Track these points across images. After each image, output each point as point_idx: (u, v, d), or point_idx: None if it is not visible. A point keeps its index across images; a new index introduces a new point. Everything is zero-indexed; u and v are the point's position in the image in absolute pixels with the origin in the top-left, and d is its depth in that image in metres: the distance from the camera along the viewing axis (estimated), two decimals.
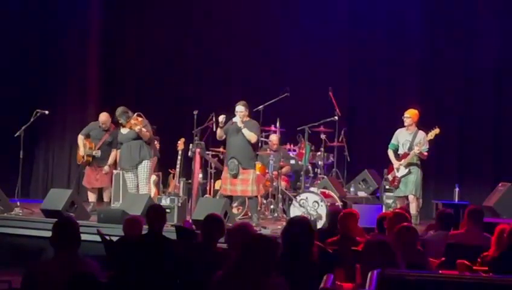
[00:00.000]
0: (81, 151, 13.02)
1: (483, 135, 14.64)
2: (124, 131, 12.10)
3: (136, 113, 12.02)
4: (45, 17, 16.03)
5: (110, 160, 13.00)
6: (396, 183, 12.20)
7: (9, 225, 11.57)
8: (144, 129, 11.81)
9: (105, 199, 13.24)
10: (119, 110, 12.09)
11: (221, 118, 11.53)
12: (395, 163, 12.20)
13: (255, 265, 4.77)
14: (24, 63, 15.78)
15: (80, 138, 13.12)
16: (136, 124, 11.77)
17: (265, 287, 4.75)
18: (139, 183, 11.96)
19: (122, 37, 16.41)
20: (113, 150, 12.99)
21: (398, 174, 12.15)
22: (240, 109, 11.60)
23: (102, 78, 16.27)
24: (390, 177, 12.33)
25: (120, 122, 12.11)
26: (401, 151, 12.22)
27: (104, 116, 13.14)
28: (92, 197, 13.17)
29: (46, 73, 16.04)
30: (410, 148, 12.06)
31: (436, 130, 11.97)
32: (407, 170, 12.09)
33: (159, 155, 12.81)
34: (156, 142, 12.70)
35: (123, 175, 12.40)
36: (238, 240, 5.83)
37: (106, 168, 12.98)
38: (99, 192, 13.34)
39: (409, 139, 12.15)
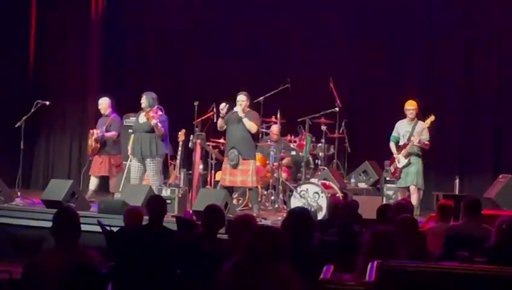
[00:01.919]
0: (89, 141, 13.06)
1: (484, 127, 14.63)
2: (141, 119, 11.89)
3: (157, 106, 11.87)
4: (45, 6, 16.00)
5: (108, 134, 12.96)
6: (397, 175, 12.20)
7: (10, 215, 11.57)
8: (159, 125, 11.64)
9: (111, 190, 13.15)
10: (152, 94, 11.94)
11: (223, 105, 11.50)
12: (396, 154, 12.20)
13: (264, 256, 4.78)
14: (24, 54, 15.78)
15: (89, 132, 13.19)
16: (154, 117, 11.62)
17: (275, 278, 4.76)
18: (149, 178, 11.88)
19: (122, 28, 16.40)
20: (111, 132, 12.97)
21: (399, 165, 12.15)
22: (242, 98, 11.59)
23: (102, 69, 16.27)
24: (392, 168, 12.34)
25: (143, 107, 11.85)
26: (401, 143, 12.22)
27: (101, 100, 13.21)
28: (92, 184, 13.09)
29: (46, 63, 16.04)
30: (410, 139, 12.06)
31: (432, 117, 11.98)
32: (407, 160, 12.08)
33: (170, 152, 12.64)
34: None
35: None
36: (241, 232, 5.83)
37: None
38: (102, 181, 13.28)
39: (409, 130, 12.14)
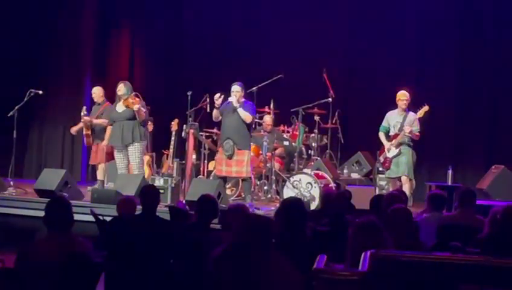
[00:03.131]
0: (84, 130, 12.99)
1: (477, 118, 14.63)
2: (119, 109, 11.83)
3: (133, 93, 11.86)
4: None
5: (106, 136, 12.99)
6: (387, 164, 12.19)
7: (3, 204, 11.56)
8: (142, 109, 11.66)
9: (99, 177, 13.14)
10: (128, 83, 11.97)
11: (217, 96, 11.48)
12: (386, 144, 12.20)
13: (254, 243, 4.79)
14: (17, 43, 15.75)
15: (78, 126, 13.14)
16: (134, 103, 11.60)
17: (266, 264, 4.77)
18: (131, 165, 11.86)
19: (115, 17, 16.37)
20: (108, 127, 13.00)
21: (389, 155, 12.14)
22: (236, 88, 11.56)
23: (96, 58, 16.24)
24: (381, 158, 12.33)
25: (120, 94, 11.82)
26: (392, 133, 12.21)
27: (94, 89, 13.20)
28: (99, 175, 12.99)
29: (39, 52, 16.01)
30: (401, 129, 12.06)
31: (425, 108, 11.96)
32: (397, 150, 12.08)
33: (148, 139, 12.57)
34: (150, 124, 12.63)
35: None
36: (234, 221, 5.84)
37: (104, 142, 12.91)
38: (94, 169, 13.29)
39: (400, 120, 12.13)
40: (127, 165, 11.84)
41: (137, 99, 11.75)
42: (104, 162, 12.99)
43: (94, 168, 13.46)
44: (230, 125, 11.59)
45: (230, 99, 11.53)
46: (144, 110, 11.71)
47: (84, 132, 12.92)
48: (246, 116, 11.48)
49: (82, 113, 12.88)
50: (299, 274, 4.90)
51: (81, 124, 12.98)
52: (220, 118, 11.75)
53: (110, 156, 12.95)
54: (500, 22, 14.56)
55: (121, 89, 11.85)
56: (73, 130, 13.33)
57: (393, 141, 12.12)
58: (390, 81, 14.20)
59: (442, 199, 8.25)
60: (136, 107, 11.54)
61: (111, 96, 12.68)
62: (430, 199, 8.28)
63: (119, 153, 11.87)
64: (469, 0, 14.75)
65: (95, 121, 12.84)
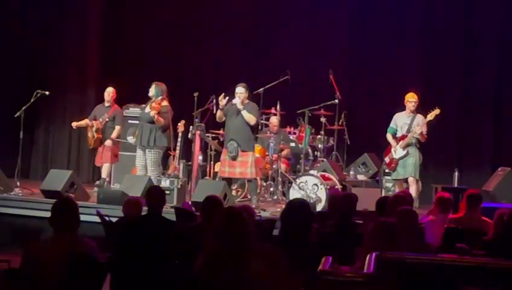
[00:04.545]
0: (89, 133, 13.09)
1: (483, 120, 14.62)
2: (147, 109, 11.87)
3: (160, 97, 11.79)
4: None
5: (114, 134, 13.07)
6: (393, 166, 12.18)
7: (9, 205, 11.58)
8: (156, 116, 11.58)
9: (103, 175, 13.23)
10: (161, 85, 11.95)
11: (221, 97, 11.48)
12: (393, 144, 12.19)
13: (234, 237, 4.80)
14: (24, 44, 15.77)
15: (85, 121, 13.20)
16: (155, 108, 11.63)
17: (250, 257, 4.77)
18: (147, 167, 11.90)
19: (122, 18, 16.37)
20: (116, 126, 13.09)
21: (396, 156, 12.13)
22: (240, 90, 11.57)
23: (102, 59, 16.25)
24: (387, 159, 12.32)
25: (150, 95, 11.87)
26: (399, 134, 12.21)
27: (109, 89, 13.35)
28: (104, 173, 13.22)
29: (46, 53, 16.02)
30: (409, 131, 12.05)
31: (437, 111, 11.93)
32: (404, 151, 12.07)
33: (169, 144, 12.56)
34: (179, 125, 12.52)
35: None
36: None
37: (108, 142, 13.00)
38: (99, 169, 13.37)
39: (407, 122, 12.13)
40: (144, 165, 11.86)
41: (163, 104, 11.73)
42: (110, 163, 13.08)
43: (99, 169, 13.54)
44: (234, 127, 11.60)
45: (234, 101, 11.54)
46: (162, 118, 11.66)
47: (94, 136, 13.00)
48: (250, 118, 11.49)
49: (94, 129, 12.99)
50: (307, 277, 4.90)
51: (85, 122, 13.05)
52: (224, 119, 11.76)
53: (115, 157, 13.04)
54: (506, 23, 14.53)
55: (151, 90, 11.90)
56: (75, 124, 13.37)
57: (401, 143, 12.11)
58: (397, 82, 14.22)
59: (450, 202, 8.24)
60: (152, 113, 11.56)
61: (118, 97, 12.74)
62: (437, 202, 8.28)
63: (139, 151, 11.96)
64: (474, 3, 14.73)
65: (113, 136, 13.15)
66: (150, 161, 11.80)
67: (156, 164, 11.82)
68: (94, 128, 13.04)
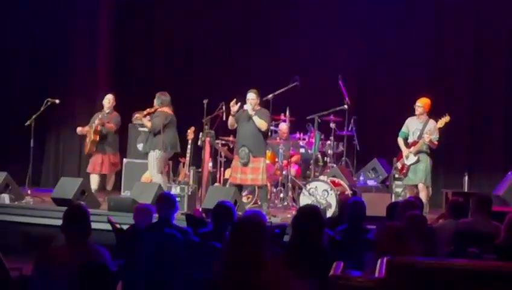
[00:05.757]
0: (87, 139, 13.07)
1: (493, 124, 14.61)
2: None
3: (156, 106, 11.90)
4: (55, 5, 16.02)
5: (106, 125, 13.03)
6: (405, 171, 12.18)
7: (20, 213, 11.62)
8: (144, 120, 11.84)
9: (108, 188, 13.24)
10: (162, 95, 12.04)
11: (233, 103, 11.46)
12: (405, 150, 12.17)
13: (244, 248, 4.81)
14: (34, 53, 15.83)
15: (84, 128, 13.18)
16: (138, 117, 11.85)
17: (260, 266, 4.78)
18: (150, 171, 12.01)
19: (131, 27, 16.44)
20: (111, 124, 13.02)
21: (407, 162, 12.13)
22: (251, 96, 11.56)
23: (112, 67, 16.31)
24: (399, 165, 12.31)
25: (154, 104, 11.99)
26: (410, 140, 12.19)
27: (109, 96, 13.35)
28: (93, 183, 12.96)
29: (56, 62, 16.08)
30: (420, 137, 12.02)
31: (446, 118, 11.92)
32: (416, 157, 12.06)
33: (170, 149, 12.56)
34: (189, 132, 12.51)
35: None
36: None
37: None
38: (102, 180, 13.27)
39: (419, 127, 12.11)
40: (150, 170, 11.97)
41: (152, 110, 11.84)
42: (112, 174, 13.11)
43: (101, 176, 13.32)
44: (245, 133, 11.60)
45: (245, 107, 11.54)
46: (147, 122, 11.83)
47: (91, 138, 12.90)
48: (261, 123, 11.48)
49: (92, 130, 12.94)
50: (318, 283, 4.91)
51: (87, 128, 13.05)
52: (236, 125, 11.75)
53: (114, 167, 13.04)
54: None
55: (156, 99, 12.01)
56: (79, 130, 13.35)
57: (412, 149, 12.09)
58: (407, 88, 14.22)
59: (462, 207, 8.22)
60: (134, 117, 11.87)
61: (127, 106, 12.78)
62: (450, 207, 8.27)
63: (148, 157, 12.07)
64: (484, 8, 14.72)
65: (107, 125, 12.93)
66: (151, 164, 11.92)
67: (151, 164, 11.91)
68: (92, 130, 12.96)
